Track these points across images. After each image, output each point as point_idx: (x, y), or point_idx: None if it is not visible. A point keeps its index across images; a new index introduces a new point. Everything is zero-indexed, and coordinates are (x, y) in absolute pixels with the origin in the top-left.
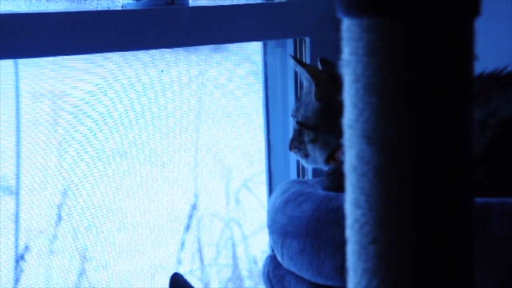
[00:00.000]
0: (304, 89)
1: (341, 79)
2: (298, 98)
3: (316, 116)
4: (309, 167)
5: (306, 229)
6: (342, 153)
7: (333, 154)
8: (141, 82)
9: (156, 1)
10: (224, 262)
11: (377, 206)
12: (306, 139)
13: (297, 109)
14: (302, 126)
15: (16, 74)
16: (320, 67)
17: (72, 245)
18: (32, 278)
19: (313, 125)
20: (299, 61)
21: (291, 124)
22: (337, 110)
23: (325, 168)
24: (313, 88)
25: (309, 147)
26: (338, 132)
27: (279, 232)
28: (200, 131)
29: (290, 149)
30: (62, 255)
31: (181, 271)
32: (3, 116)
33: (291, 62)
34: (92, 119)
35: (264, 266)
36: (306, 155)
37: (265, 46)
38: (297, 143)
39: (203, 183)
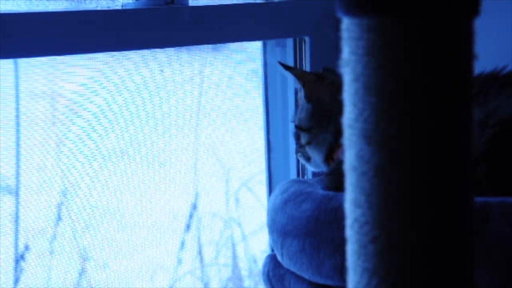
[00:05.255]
0: (298, 94)
1: (327, 79)
2: (297, 103)
3: (309, 117)
4: (314, 170)
5: (305, 228)
6: (342, 153)
7: (332, 154)
8: (138, 82)
9: (156, 1)
10: (224, 262)
11: (377, 206)
12: (303, 141)
13: (295, 114)
14: (298, 129)
15: (16, 74)
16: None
17: (72, 245)
18: (32, 278)
19: (307, 127)
20: (286, 66)
21: (291, 124)
22: (327, 109)
23: (327, 169)
24: (302, 90)
25: (308, 149)
26: (332, 131)
27: (279, 232)
28: (200, 130)
29: (296, 154)
30: (62, 255)
31: (181, 270)
32: (3, 116)
33: (291, 60)
34: (94, 119)
35: (264, 266)
36: (308, 159)
37: (265, 45)
38: (298, 147)
39: (203, 182)
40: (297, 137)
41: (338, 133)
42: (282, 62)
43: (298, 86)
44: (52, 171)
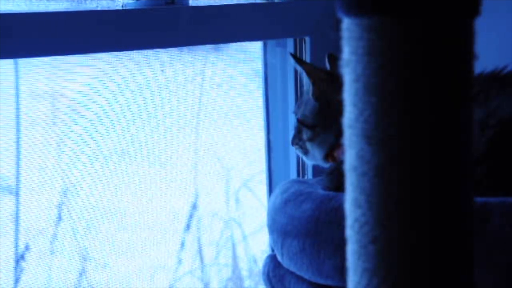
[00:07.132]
0: (305, 87)
1: (340, 78)
2: (300, 95)
3: (314, 115)
4: (309, 163)
5: (306, 228)
6: (342, 153)
7: (332, 152)
8: (140, 82)
9: (156, 1)
10: (224, 262)
11: (377, 206)
12: (304, 137)
13: (298, 106)
14: (301, 124)
15: (16, 74)
16: (327, 62)
17: (72, 245)
18: (32, 278)
19: (311, 124)
20: (299, 59)
21: (291, 124)
22: (335, 109)
23: (325, 165)
24: (311, 87)
25: (308, 145)
26: (336, 131)
27: (279, 232)
28: (200, 130)
29: (292, 144)
30: (62, 255)
31: (181, 271)
32: (3, 116)
33: (291, 60)
34: (95, 119)
35: (264, 266)
36: (306, 152)
37: (265, 45)
38: (297, 140)
39: (203, 182)
40: (298, 131)
41: (340, 133)
42: (294, 54)
43: (304, 80)
44: (53, 171)
